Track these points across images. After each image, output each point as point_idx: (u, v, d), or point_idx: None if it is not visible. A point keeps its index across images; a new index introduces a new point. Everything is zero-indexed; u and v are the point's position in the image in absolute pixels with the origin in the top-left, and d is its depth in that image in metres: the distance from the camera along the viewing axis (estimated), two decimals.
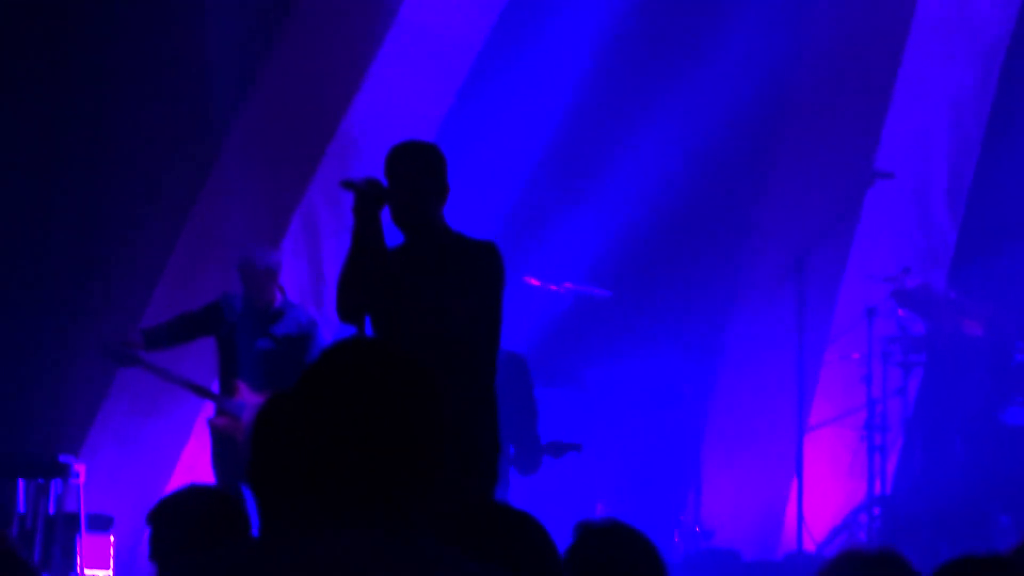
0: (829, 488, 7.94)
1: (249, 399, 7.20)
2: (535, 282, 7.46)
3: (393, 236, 4.98)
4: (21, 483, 7.47)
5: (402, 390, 2.06)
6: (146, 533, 3.55)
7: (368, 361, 2.09)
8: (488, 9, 8.51)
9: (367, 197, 4.94)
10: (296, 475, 2.07)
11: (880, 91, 8.50)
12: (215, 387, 7.42)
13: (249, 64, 8.45)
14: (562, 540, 2.93)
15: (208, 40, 8.17)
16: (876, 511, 7.75)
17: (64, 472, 7.49)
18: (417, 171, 5.03)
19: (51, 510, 7.45)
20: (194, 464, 7.89)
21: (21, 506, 7.48)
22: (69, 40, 8.44)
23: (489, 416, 5.10)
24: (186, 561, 2.36)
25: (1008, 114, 8.64)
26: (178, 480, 8.03)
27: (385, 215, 4.97)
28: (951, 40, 8.63)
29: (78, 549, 7.47)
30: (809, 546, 7.47)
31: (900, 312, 8.00)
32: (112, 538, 7.68)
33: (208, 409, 7.47)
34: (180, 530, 3.49)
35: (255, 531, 3.27)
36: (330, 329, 7.33)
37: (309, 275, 8.15)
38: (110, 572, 7.64)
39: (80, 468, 7.56)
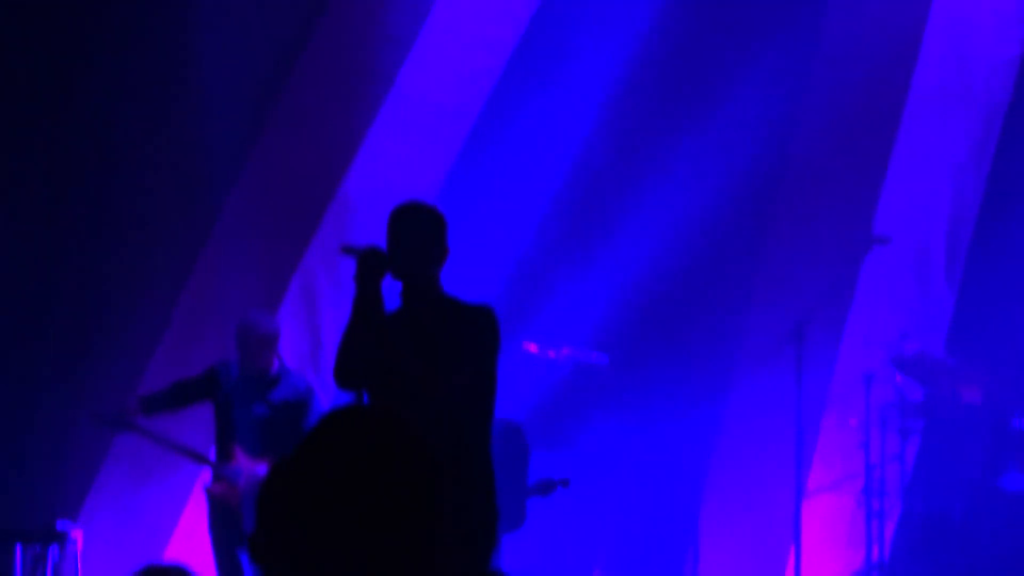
0: (827, 554, 7.94)
1: (246, 465, 7.28)
2: (533, 348, 7.51)
3: (391, 299, 5.01)
4: (19, 549, 7.52)
5: (400, 462, 2.05)
6: None
7: (366, 432, 2.08)
8: (486, 73, 8.64)
9: (368, 264, 4.97)
10: (297, 547, 2.06)
11: (878, 157, 8.60)
12: (212, 453, 7.47)
13: (247, 129, 8.52)
14: None
15: (207, 104, 8.25)
16: None
17: (62, 538, 7.54)
18: (418, 234, 5.06)
19: None
20: (191, 530, 7.91)
21: (19, 572, 7.51)
22: (68, 109, 8.52)
23: (486, 485, 5.10)
24: None
25: (1006, 180, 8.73)
26: (175, 546, 8.07)
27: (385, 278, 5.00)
28: (949, 106, 8.74)
29: None
30: None
31: (898, 378, 8.02)
32: None
33: (205, 475, 7.50)
34: None
35: None
36: (328, 395, 7.33)
37: (307, 341, 8.18)
38: None
39: (77, 534, 7.62)
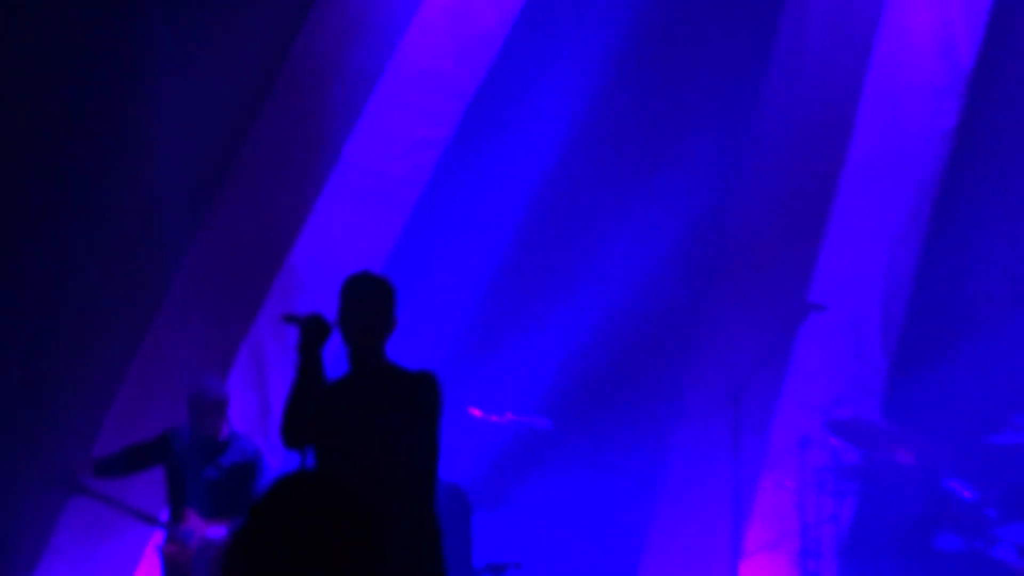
0: None
1: (197, 527, 7.31)
2: (477, 413, 7.63)
3: (339, 366, 5.14)
4: None
5: (345, 527, 2.10)
6: None
7: (310, 500, 2.13)
8: (433, 143, 8.79)
9: (310, 332, 5.13)
10: None
11: (815, 225, 8.73)
12: (164, 514, 7.49)
13: (199, 197, 8.53)
14: None
15: (158, 173, 8.37)
16: None
17: None
18: (366, 303, 5.21)
19: None
20: None
21: None
22: (18, 179, 8.59)
23: (433, 547, 5.19)
24: None
25: (940, 248, 8.89)
26: None
27: (334, 343, 5.13)
28: (885, 176, 8.87)
29: None
30: None
31: (833, 441, 8.12)
32: None
33: (158, 535, 7.52)
34: None
35: None
36: (276, 457, 7.36)
37: (256, 406, 8.23)
38: None
39: None
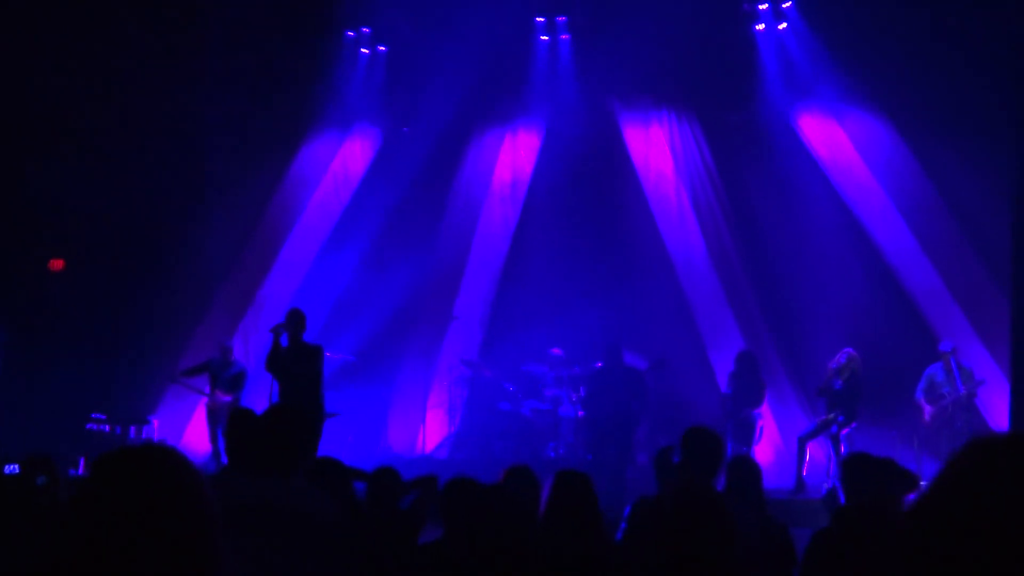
0: None
1: (219, 396, 17.38)
2: None
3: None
4: None
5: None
6: None
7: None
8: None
9: (276, 331, 13.57)
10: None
11: None
12: (207, 391, 18.31)
13: (228, 260, 19.26)
14: None
15: (210, 243, 19.60)
16: None
17: None
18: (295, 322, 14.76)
19: None
20: None
21: None
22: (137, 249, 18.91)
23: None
24: None
25: None
26: None
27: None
28: None
29: None
30: None
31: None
32: None
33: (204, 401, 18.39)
34: None
35: None
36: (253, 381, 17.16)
37: (242, 358, 17.93)
38: None
39: None
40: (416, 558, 5.19)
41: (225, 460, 13.30)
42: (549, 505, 5.34)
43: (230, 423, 6.49)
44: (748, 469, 6.98)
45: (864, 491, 5.72)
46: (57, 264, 18.75)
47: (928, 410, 16.07)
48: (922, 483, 6.98)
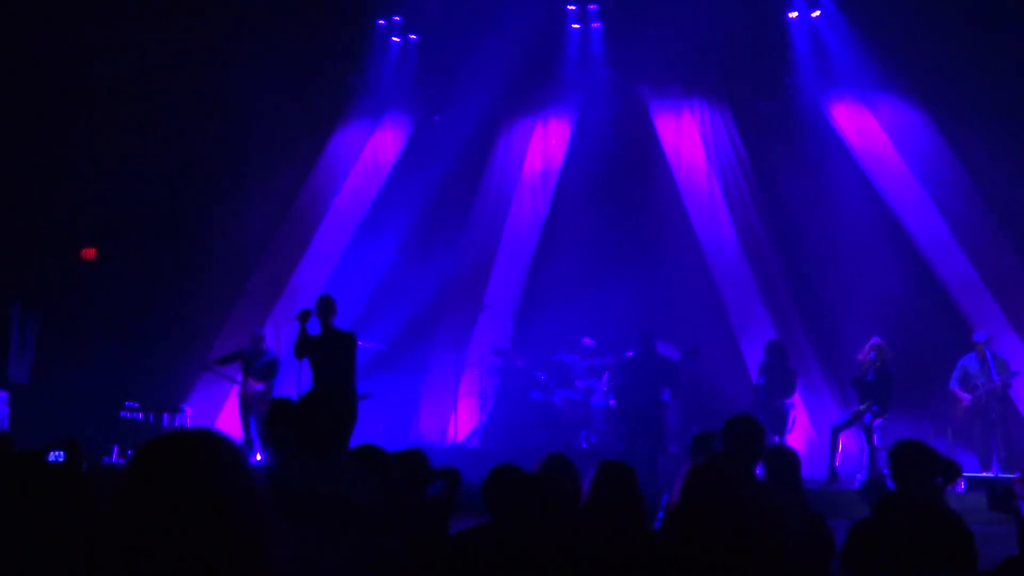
0: None
1: (252, 384, 17.06)
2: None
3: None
4: None
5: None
6: None
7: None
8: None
9: (302, 317, 13.41)
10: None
11: None
12: (239, 379, 17.83)
13: (251, 257, 19.49)
14: None
15: (240, 240, 19.58)
16: None
17: None
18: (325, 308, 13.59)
19: None
20: None
21: None
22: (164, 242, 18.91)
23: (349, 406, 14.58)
24: None
25: None
26: None
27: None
28: None
29: None
30: None
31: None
32: None
33: (236, 388, 18.48)
34: None
35: None
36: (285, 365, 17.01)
37: (273, 346, 18.23)
38: None
39: None
40: (458, 545, 5.22)
41: (258, 447, 13.24)
42: (592, 494, 5.33)
43: (270, 412, 6.47)
44: (787, 458, 6.95)
45: (913, 479, 5.70)
46: (90, 253, 18.86)
47: (963, 400, 15.91)
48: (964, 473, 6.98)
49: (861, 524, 5.52)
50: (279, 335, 18.71)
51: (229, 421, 18.00)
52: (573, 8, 18.97)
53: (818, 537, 6.42)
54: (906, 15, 16.94)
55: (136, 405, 16.67)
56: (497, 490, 5.44)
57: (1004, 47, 16.24)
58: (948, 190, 17.70)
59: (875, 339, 15.45)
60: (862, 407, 15.37)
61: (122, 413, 16.59)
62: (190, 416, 17.38)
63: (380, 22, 19.53)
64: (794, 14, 18.42)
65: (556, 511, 5.66)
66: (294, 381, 13.36)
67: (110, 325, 18.21)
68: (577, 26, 19.16)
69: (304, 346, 12.67)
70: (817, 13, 18.28)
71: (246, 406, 16.58)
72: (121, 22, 17.02)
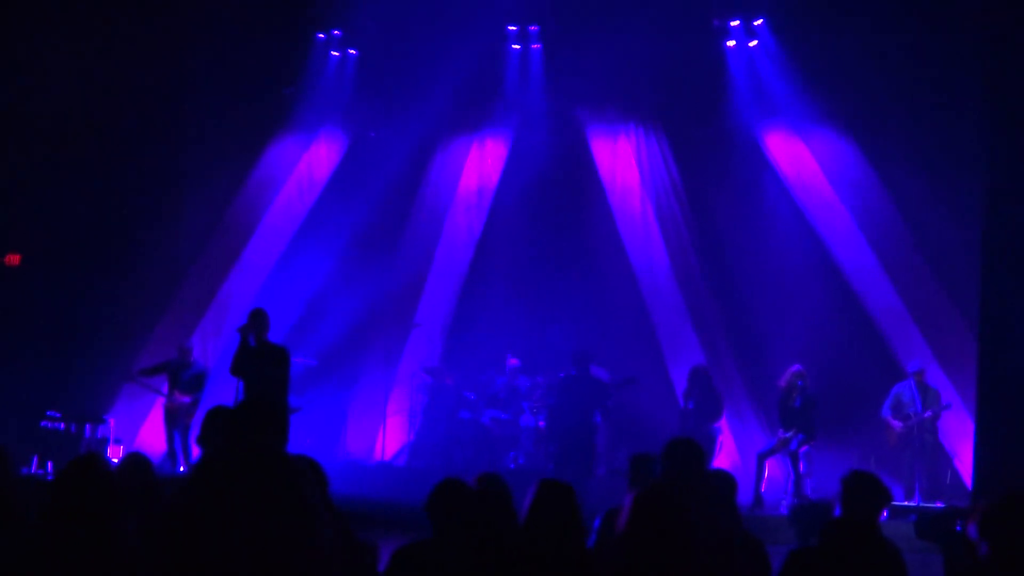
0: None
1: (178, 396, 17.07)
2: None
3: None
4: None
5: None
6: None
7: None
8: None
9: (243, 331, 13.90)
10: None
11: None
12: (165, 391, 17.52)
13: (189, 259, 19.43)
14: None
15: (181, 242, 19.27)
16: None
17: None
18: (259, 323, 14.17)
19: None
20: None
21: None
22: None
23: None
24: None
25: None
26: None
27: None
28: None
29: None
30: None
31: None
32: None
33: (162, 400, 18.16)
34: None
35: None
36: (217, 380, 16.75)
37: (201, 357, 18.62)
38: None
39: None
40: (403, 558, 5.19)
41: (181, 460, 13.09)
42: (532, 513, 5.33)
43: (206, 420, 6.40)
44: (725, 482, 6.98)
45: (862, 507, 5.77)
46: (13, 259, 18.57)
47: (895, 427, 16.11)
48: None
49: (801, 551, 5.56)
50: (206, 347, 18.48)
51: (152, 433, 17.87)
52: (514, 29, 18.99)
53: (758, 562, 6.44)
54: (842, 49, 17.20)
55: (58, 415, 16.41)
56: (443, 505, 5.42)
57: (937, 84, 16.51)
58: (877, 222, 17.97)
59: (796, 367, 15.51)
60: (788, 434, 15.49)
61: (43, 423, 16.32)
62: (113, 427, 17.11)
63: (319, 35, 19.49)
64: (731, 43, 18.61)
65: (497, 528, 5.65)
66: (231, 394, 13.16)
67: (33, 333, 17.97)
68: (517, 47, 19.17)
69: (242, 361, 12.72)
70: (755, 43, 18.48)
71: (171, 418, 16.43)
72: (51, 31, 16.82)
